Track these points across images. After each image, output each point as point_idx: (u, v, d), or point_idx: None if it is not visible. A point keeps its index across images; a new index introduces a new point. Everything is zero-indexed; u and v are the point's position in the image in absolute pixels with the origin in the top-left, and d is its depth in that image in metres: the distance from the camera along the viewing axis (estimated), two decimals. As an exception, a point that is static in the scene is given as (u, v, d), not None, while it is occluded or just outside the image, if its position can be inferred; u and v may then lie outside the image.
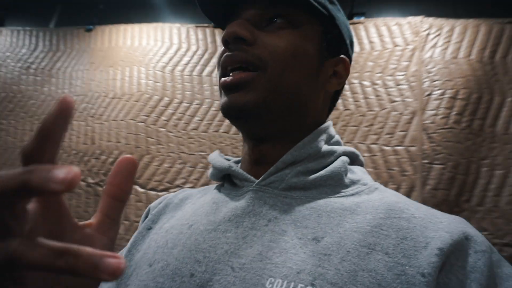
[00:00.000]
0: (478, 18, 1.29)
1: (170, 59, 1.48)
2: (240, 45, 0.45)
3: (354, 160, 0.50)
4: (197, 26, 1.55)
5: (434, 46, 1.27)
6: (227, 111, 0.46)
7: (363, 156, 1.22)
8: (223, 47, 0.48)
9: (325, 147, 0.47)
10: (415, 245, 0.36)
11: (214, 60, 1.47)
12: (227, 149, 1.30)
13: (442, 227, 0.38)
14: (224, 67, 0.47)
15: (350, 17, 1.46)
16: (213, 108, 1.36)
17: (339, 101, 1.28)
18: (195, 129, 1.33)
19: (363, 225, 0.39)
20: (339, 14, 0.52)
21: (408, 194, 1.12)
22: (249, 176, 0.47)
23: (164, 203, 0.54)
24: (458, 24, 1.30)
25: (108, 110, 1.39)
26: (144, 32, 1.57)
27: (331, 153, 0.47)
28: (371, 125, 1.22)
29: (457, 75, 1.22)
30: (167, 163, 1.27)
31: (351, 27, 1.43)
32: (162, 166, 1.26)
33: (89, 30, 1.64)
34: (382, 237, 0.38)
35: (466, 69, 1.23)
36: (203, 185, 1.24)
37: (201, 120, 1.34)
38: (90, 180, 1.25)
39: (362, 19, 1.38)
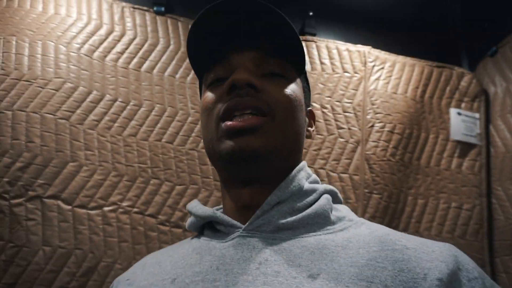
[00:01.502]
0: (414, 57, 1.41)
1: (100, 43, 1.24)
2: (250, 91, 0.47)
3: (334, 197, 0.53)
4: (134, 8, 1.33)
5: (378, 78, 1.36)
6: (235, 153, 0.46)
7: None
8: (213, 92, 0.50)
9: (307, 185, 0.49)
10: (414, 277, 0.38)
11: (155, 54, 1.29)
12: (170, 162, 1.16)
13: (436, 256, 0.40)
14: (230, 111, 0.48)
15: (302, 33, 1.43)
16: (154, 113, 1.20)
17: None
18: (133, 135, 1.15)
19: (358, 259, 0.40)
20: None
21: (350, 221, 1.18)
22: (235, 222, 0.47)
23: (130, 273, 0.52)
24: (399, 61, 1.40)
25: (11, 96, 1.10)
26: (61, -2, 1.27)
27: (313, 190, 0.49)
28: (319, 149, 1.25)
29: (395, 110, 1.33)
30: (99, 174, 1.08)
31: (303, 43, 1.40)
32: (92, 178, 1.07)
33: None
34: (379, 269, 0.39)
35: (402, 105, 1.34)
36: (143, 203, 1.10)
37: (140, 126, 1.17)
38: (-14, 189, 0.98)
39: (314, 37, 1.38)
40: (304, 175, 0.50)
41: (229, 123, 0.47)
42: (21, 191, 1.01)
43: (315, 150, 1.26)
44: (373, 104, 1.33)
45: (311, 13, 1.46)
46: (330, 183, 1.23)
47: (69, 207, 1.03)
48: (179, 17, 1.38)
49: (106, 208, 1.06)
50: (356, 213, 1.20)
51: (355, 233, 0.45)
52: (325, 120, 1.30)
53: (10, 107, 1.08)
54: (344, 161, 1.26)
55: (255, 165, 0.47)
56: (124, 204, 1.08)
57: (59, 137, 1.09)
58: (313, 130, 0.57)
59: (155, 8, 1.36)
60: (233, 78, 0.48)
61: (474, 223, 1.31)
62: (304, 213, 0.46)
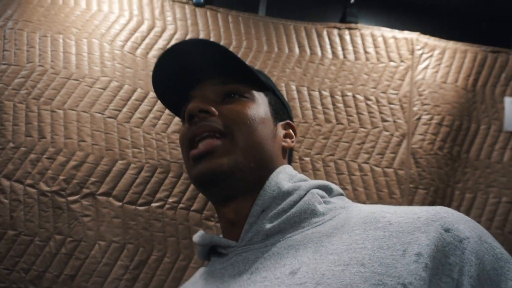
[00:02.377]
0: (466, 42, 1.31)
1: (143, 40, 1.25)
2: (205, 117, 0.52)
3: (328, 191, 0.54)
4: (174, 1, 1.31)
5: (426, 67, 1.28)
6: (202, 177, 0.50)
7: (354, 175, 1.20)
8: (184, 126, 0.55)
9: (288, 185, 0.50)
10: (392, 254, 0.37)
11: (196, 49, 1.27)
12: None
13: (419, 225, 0.39)
14: (192, 139, 0.52)
15: (342, 19, 1.37)
16: (197, 108, 1.19)
17: (331, 113, 1.23)
18: (177, 132, 1.17)
19: (339, 246, 0.41)
20: (275, 87, 0.63)
21: (394, 217, 1.15)
22: (230, 241, 0.50)
23: None
24: (449, 47, 1.31)
25: (61, 95, 1.13)
26: (103, -6, 1.27)
27: (295, 188, 0.50)
28: (363, 143, 1.21)
29: (444, 101, 1.26)
30: (146, 171, 1.11)
31: (346, 31, 1.34)
32: (140, 175, 1.10)
33: (17, -28, 1.26)
34: (358, 251, 0.39)
35: (452, 95, 1.26)
36: (188, 199, 1.12)
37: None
38: (45, 187, 1.04)
39: (358, 24, 1.30)
40: (283, 177, 0.52)
41: (192, 151, 0.52)
42: (76, 188, 1.06)
43: (358, 144, 1.23)
44: (420, 95, 1.27)
45: (352, 1, 1.38)
46: (374, 178, 1.20)
47: (120, 203, 1.07)
48: (218, 8, 1.35)
49: (153, 204, 1.10)
50: (400, 208, 1.18)
51: (343, 219, 0.45)
52: (369, 112, 1.25)
53: (62, 106, 1.12)
54: (389, 155, 1.22)
55: (223, 184, 0.50)
56: (170, 200, 1.11)
57: (108, 136, 1.12)
58: (292, 141, 0.60)
59: (194, 0, 1.34)
60: (188, 109, 0.53)
61: (526, 218, 1.24)
62: (288, 213, 0.47)
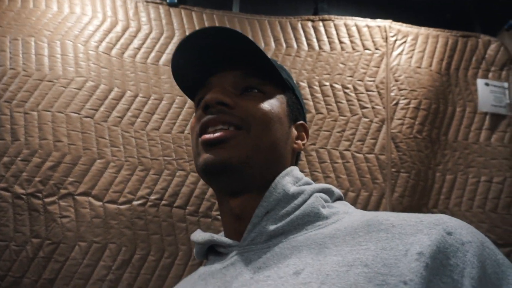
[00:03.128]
0: (437, 27, 1.32)
1: (118, 40, 1.22)
2: (222, 108, 0.50)
3: (330, 195, 0.53)
4: (147, 2, 1.29)
5: (400, 53, 1.29)
6: (210, 167, 0.48)
7: (336, 163, 1.19)
8: (196, 113, 0.54)
9: (293, 189, 0.49)
10: (395, 254, 0.37)
11: (172, 47, 1.25)
12: (194, 152, 1.14)
13: (421, 228, 0.39)
14: (205, 127, 0.51)
15: (315, 13, 1.37)
16: (175, 105, 1.17)
17: (310, 103, 1.22)
18: (156, 129, 1.14)
19: (343, 247, 0.40)
20: (296, 86, 0.61)
21: (378, 201, 1.15)
22: (231, 241, 0.49)
23: None
24: (421, 33, 1.33)
25: (35, 96, 1.09)
26: (75, -3, 1.25)
27: (300, 192, 0.49)
28: (343, 130, 1.20)
29: (420, 85, 1.26)
30: (126, 170, 1.07)
31: (320, 23, 1.34)
32: (120, 174, 1.06)
33: (-14, -20, 1.22)
34: (361, 252, 0.38)
35: (427, 79, 1.27)
36: (171, 195, 1.09)
37: (162, 119, 1.15)
38: (20, 190, 0.99)
39: (332, 16, 1.31)
40: (289, 180, 0.50)
41: (203, 136, 0.50)
42: (53, 189, 1.01)
43: (339, 132, 1.22)
44: (396, 81, 1.27)
45: (323, -4, 1.39)
46: (356, 165, 1.19)
47: (100, 203, 1.03)
48: (192, 7, 1.34)
49: (135, 202, 1.06)
50: (384, 193, 1.17)
51: (346, 222, 0.45)
52: (348, 100, 1.25)
53: (36, 107, 1.07)
54: (370, 141, 1.21)
55: (231, 177, 0.49)
56: (152, 197, 1.07)
57: (85, 135, 1.08)
58: (304, 144, 0.58)
59: (168, 0, 1.32)
60: (205, 99, 0.51)
61: (505, 196, 1.24)
62: (292, 216, 0.47)
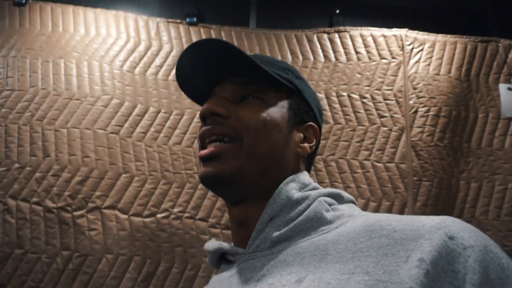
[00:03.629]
0: (454, 34, 1.31)
1: (141, 59, 1.26)
2: (216, 119, 0.51)
3: (339, 199, 0.52)
4: (168, 22, 1.34)
5: (418, 61, 1.28)
6: (205, 180, 0.50)
7: (356, 173, 1.18)
8: (201, 123, 0.54)
9: (297, 194, 0.49)
10: (396, 261, 0.36)
11: (192, 63, 1.28)
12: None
13: (423, 232, 0.38)
14: (203, 140, 0.52)
15: (331, 25, 1.38)
16: (196, 120, 1.20)
17: (328, 114, 1.22)
18: (178, 143, 1.16)
19: (344, 254, 0.40)
20: (306, 88, 0.58)
21: (401, 211, 1.13)
22: (238, 248, 0.50)
23: None
24: (438, 40, 1.31)
25: (64, 114, 1.14)
26: (101, 19, 1.31)
27: (305, 198, 0.48)
28: (362, 140, 1.19)
29: (439, 92, 1.24)
30: (150, 183, 1.09)
31: (336, 35, 1.34)
32: (144, 187, 1.09)
33: (20, 4, 1.29)
34: (362, 259, 0.38)
35: (447, 86, 1.25)
36: (193, 208, 1.10)
37: (184, 134, 1.18)
38: (51, 204, 1.03)
39: (347, 27, 1.31)
40: (294, 185, 0.50)
41: (200, 152, 0.51)
42: (81, 203, 1.04)
43: (357, 142, 1.21)
44: (415, 89, 1.25)
45: (337, 11, 1.39)
46: (376, 174, 1.17)
47: (126, 216, 1.06)
48: (211, 25, 1.38)
49: (159, 215, 1.08)
50: (406, 202, 1.15)
51: (349, 227, 0.44)
52: (366, 110, 1.24)
53: (65, 125, 1.12)
54: (389, 150, 1.20)
55: (227, 189, 0.50)
56: (176, 210, 1.09)
57: (111, 151, 1.12)
58: (311, 146, 0.56)
59: (187, 20, 1.36)
60: (201, 110, 0.52)
61: (535, 203, 1.20)
62: (296, 221, 0.46)
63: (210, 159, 0.49)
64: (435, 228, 0.38)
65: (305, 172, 0.54)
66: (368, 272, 0.36)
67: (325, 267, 0.39)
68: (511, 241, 1.15)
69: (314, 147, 0.56)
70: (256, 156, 0.49)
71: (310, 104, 0.58)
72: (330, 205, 0.50)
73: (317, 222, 0.46)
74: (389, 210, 1.13)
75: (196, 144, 1.18)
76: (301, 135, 0.55)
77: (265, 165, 0.50)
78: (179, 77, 0.58)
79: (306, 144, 0.55)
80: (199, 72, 0.56)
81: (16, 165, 1.06)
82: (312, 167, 1.19)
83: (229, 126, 0.50)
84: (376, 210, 1.14)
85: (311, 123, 0.57)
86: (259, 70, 0.52)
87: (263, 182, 0.50)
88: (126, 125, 1.16)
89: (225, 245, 0.51)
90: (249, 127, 0.50)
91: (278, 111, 0.53)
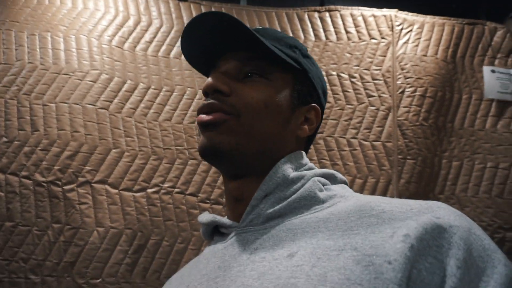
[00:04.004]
0: (443, 16, 1.32)
1: (130, 34, 1.24)
2: (218, 96, 0.50)
3: (332, 179, 0.53)
4: (158, -4, 1.31)
5: (406, 42, 1.29)
6: (204, 151, 0.50)
7: (344, 151, 1.21)
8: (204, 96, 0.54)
9: (293, 174, 0.49)
10: (383, 237, 0.38)
11: (182, 39, 1.27)
12: (205, 141, 1.17)
13: (411, 215, 0.39)
14: (200, 113, 0.52)
15: (322, 3, 1.38)
16: (186, 96, 1.20)
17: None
18: (168, 119, 1.16)
19: (335, 231, 0.41)
20: (312, 67, 0.57)
21: (386, 188, 1.16)
22: (231, 222, 0.51)
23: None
24: (427, 21, 1.33)
25: (53, 89, 1.12)
26: (88, -7, 1.27)
27: (300, 177, 0.49)
28: (350, 119, 1.21)
29: (426, 73, 1.27)
30: (140, 159, 1.10)
31: (327, 14, 1.34)
32: (134, 163, 1.09)
33: (2, -21, 1.25)
34: (352, 236, 0.40)
35: (433, 67, 1.27)
36: (183, 183, 1.12)
37: (174, 110, 1.18)
38: (40, 178, 1.03)
39: (338, 6, 1.31)
40: (291, 165, 0.50)
41: (200, 116, 0.51)
42: (71, 177, 1.05)
43: (346, 121, 1.23)
44: (402, 69, 1.27)
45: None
46: (363, 152, 1.20)
47: (116, 190, 1.06)
48: (201, 1, 1.36)
49: (149, 190, 1.09)
50: (390, 179, 1.18)
51: (341, 206, 0.45)
52: (354, 89, 1.26)
53: (53, 99, 1.11)
54: (376, 129, 1.22)
55: (222, 161, 0.50)
56: (166, 185, 1.10)
57: (101, 126, 1.11)
58: (312, 127, 0.56)
59: (178, -6, 1.34)
60: (204, 86, 0.52)
61: (511, 182, 1.25)
62: (289, 199, 0.47)
63: (209, 125, 0.49)
64: (422, 212, 0.39)
65: (303, 152, 0.54)
66: (356, 248, 0.37)
67: (316, 243, 0.40)
68: (488, 217, 1.21)
69: (314, 129, 0.56)
70: (254, 134, 0.49)
71: (315, 84, 0.57)
72: (323, 185, 0.50)
73: (310, 201, 0.47)
74: (375, 187, 1.17)
75: (186, 121, 1.19)
76: (303, 116, 0.55)
77: (263, 144, 0.50)
78: (184, 47, 0.56)
79: (306, 126, 0.55)
80: (204, 43, 0.55)
81: (4, 139, 1.05)
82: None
83: (228, 103, 0.50)
84: (362, 186, 1.17)
85: (313, 104, 0.56)
86: (265, 48, 0.50)
87: (261, 160, 0.50)
88: (116, 100, 1.16)
89: (219, 218, 0.52)
90: (249, 105, 0.50)
91: (281, 91, 0.52)
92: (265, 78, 0.52)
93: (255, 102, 0.50)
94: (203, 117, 0.50)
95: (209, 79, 0.51)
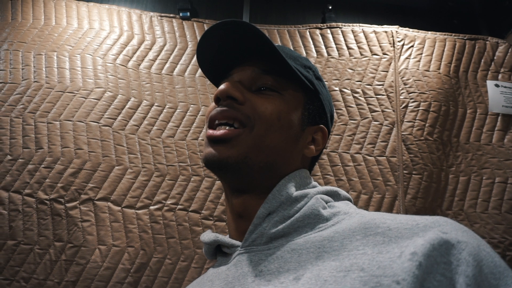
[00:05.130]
0: (443, 32, 1.33)
1: (134, 53, 1.26)
2: (231, 103, 0.50)
3: (335, 196, 0.52)
4: (161, 16, 1.34)
5: (408, 57, 1.30)
6: (210, 162, 0.49)
7: (348, 166, 1.20)
8: (213, 103, 0.53)
9: (296, 192, 0.49)
10: (390, 257, 0.37)
11: (185, 58, 1.29)
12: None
13: (417, 231, 0.38)
14: (213, 120, 0.51)
15: (323, 21, 1.40)
16: (189, 113, 1.20)
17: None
18: (171, 136, 1.17)
19: (340, 252, 0.40)
20: (323, 90, 0.58)
21: (391, 204, 1.14)
22: (234, 241, 0.50)
23: None
24: (428, 37, 1.33)
25: (57, 107, 1.14)
26: (94, 13, 1.31)
27: (303, 196, 0.49)
28: (353, 134, 1.21)
29: (429, 87, 1.27)
30: (143, 176, 1.10)
31: (328, 31, 1.36)
32: (137, 180, 1.09)
33: (11, -1, 1.29)
34: (358, 256, 0.39)
35: (436, 82, 1.27)
36: (186, 200, 1.11)
37: (177, 127, 1.18)
38: (43, 196, 1.03)
39: (339, 23, 1.33)
40: (294, 183, 0.50)
41: (209, 131, 0.50)
42: (74, 195, 1.05)
43: (349, 136, 1.23)
44: (405, 84, 1.28)
45: (330, 7, 1.42)
46: (367, 167, 1.19)
47: (119, 208, 1.06)
48: (204, 19, 1.39)
49: (152, 207, 1.08)
50: (396, 195, 1.17)
51: (345, 224, 0.44)
52: (357, 104, 1.26)
53: (58, 117, 1.12)
54: (380, 143, 1.22)
55: (227, 174, 0.49)
56: (169, 202, 1.10)
57: (104, 143, 1.12)
58: (318, 149, 0.56)
59: (180, 14, 1.37)
60: (216, 91, 0.51)
61: (522, 197, 1.22)
62: (293, 218, 0.46)
63: (219, 141, 0.49)
64: (429, 227, 0.38)
65: (306, 170, 0.54)
66: (363, 269, 0.36)
67: (322, 265, 0.39)
68: (498, 234, 1.18)
69: (320, 150, 0.57)
70: (264, 147, 0.49)
71: (324, 107, 0.57)
72: (326, 202, 0.50)
73: (314, 219, 0.46)
74: (380, 203, 1.15)
75: (189, 137, 1.19)
76: (310, 136, 0.55)
77: (271, 159, 0.50)
78: (199, 51, 0.56)
79: (313, 146, 0.55)
80: (219, 50, 0.54)
81: (9, 157, 1.06)
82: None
83: (243, 112, 0.49)
84: (368, 202, 1.16)
85: (321, 126, 0.56)
86: (283, 64, 0.51)
87: (266, 175, 0.50)
88: (119, 118, 1.17)
89: (221, 237, 0.51)
90: (263, 117, 0.49)
91: (293, 108, 0.52)
92: (278, 93, 0.51)
93: (269, 113, 0.49)
94: (214, 132, 0.49)
95: (223, 85, 0.50)
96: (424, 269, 0.34)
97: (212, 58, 0.56)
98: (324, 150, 1.21)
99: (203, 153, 0.51)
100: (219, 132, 0.49)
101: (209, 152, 0.49)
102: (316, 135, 0.56)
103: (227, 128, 0.49)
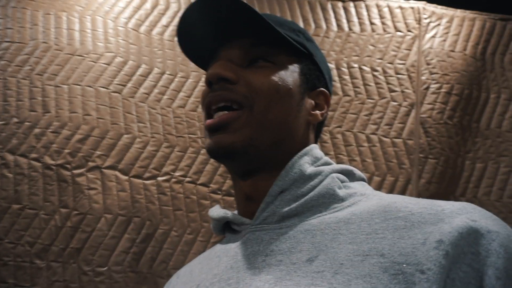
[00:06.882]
0: (473, 10, 1.23)
1: (146, 17, 1.19)
2: (224, 85, 0.46)
3: (350, 176, 0.49)
4: (176, -21, 1.25)
5: (434, 36, 1.21)
6: (214, 152, 0.46)
7: (362, 146, 1.14)
8: (205, 87, 0.49)
9: (310, 169, 0.46)
10: (413, 243, 0.34)
11: (200, 24, 1.21)
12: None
13: (443, 217, 0.35)
14: (208, 107, 0.48)
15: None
16: (201, 83, 1.14)
17: (338, 85, 1.16)
18: (182, 106, 1.11)
19: (358, 235, 0.38)
20: (317, 52, 0.54)
21: (405, 187, 1.10)
22: (244, 219, 0.47)
23: (168, 284, 0.55)
24: (457, 15, 1.24)
25: (66, 70, 1.08)
26: (106, -26, 1.21)
27: (317, 173, 0.46)
28: (370, 114, 1.14)
29: (453, 69, 1.19)
30: (152, 145, 1.05)
31: (351, 4, 1.26)
32: (146, 149, 1.04)
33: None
34: (377, 241, 0.36)
35: (461, 63, 1.19)
36: (195, 173, 1.06)
37: (188, 97, 1.12)
38: (50, 161, 0.98)
39: (362, -4, 1.23)
40: (307, 159, 0.47)
41: (207, 121, 0.47)
42: (81, 161, 1.00)
43: (366, 115, 1.16)
44: (428, 64, 1.19)
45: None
46: (382, 149, 1.13)
47: (126, 177, 1.02)
48: (221, -16, 1.29)
49: (160, 178, 1.04)
50: (410, 178, 1.11)
51: (363, 206, 0.41)
52: (376, 83, 1.18)
53: (66, 81, 1.06)
54: (398, 125, 1.15)
55: (235, 161, 0.47)
56: (177, 174, 1.05)
57: (113, 110, 1.06)
58: (323, 113, 0.52)
59: (197, -23, 1.28)
60: (207, 75, 0.47)
61: (538, 188, 1.16)
62: (307, 197, 0.44)
63: (218, 129, 0.45)
64: (455, 213, 0.35)
65: (317, 145, 0.51)
66: (384, 255, 0.34)
67: (337, 247, 0.37)
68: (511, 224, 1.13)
69: (325, 114, 0.53)
70: (267, 124, 0.46)
71: (321, 68, 0.54)
72: (342, 182, 0.46)
73: (329, 199, 0.44)
74: (393, 186, 1.10)
75: (200, 109, 1.13)
76: (313, 101, 0.52)
77: (277, 134, 0.47)
78: (180, 35, 0.51)
79: (317, 112, 0.52)
80: (202, 30, 0.50)
81: (15, 119, 1.01)
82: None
83: (239, 91, 0.46)
84: (380, 185, 1.10)
85: (322, 89, 0.53)
86: (270, 31, 0.46)
87: (274, 153, 0.47)
88: (129, 84, 1.10)
89: (231, 214, 0.48)
90: (261, 92, 0.46)
91: (290, 75, 0.49)
92: (271, 62, 0.48)
93: (266, 87, 0.46)
94: (211, 121, 0.46)
95: (212, 68, 0.47)
96: (451, 259, 0.32)
97: (196, 40, 0.52)
98: (339, 128, 1.15)
99: (205, 146, 0.48)
100: (217, 119, 0.46)
101: (210, 143, 0.46)
102: (318, 100, 0.52)
103: (224, 112, 0.46)
